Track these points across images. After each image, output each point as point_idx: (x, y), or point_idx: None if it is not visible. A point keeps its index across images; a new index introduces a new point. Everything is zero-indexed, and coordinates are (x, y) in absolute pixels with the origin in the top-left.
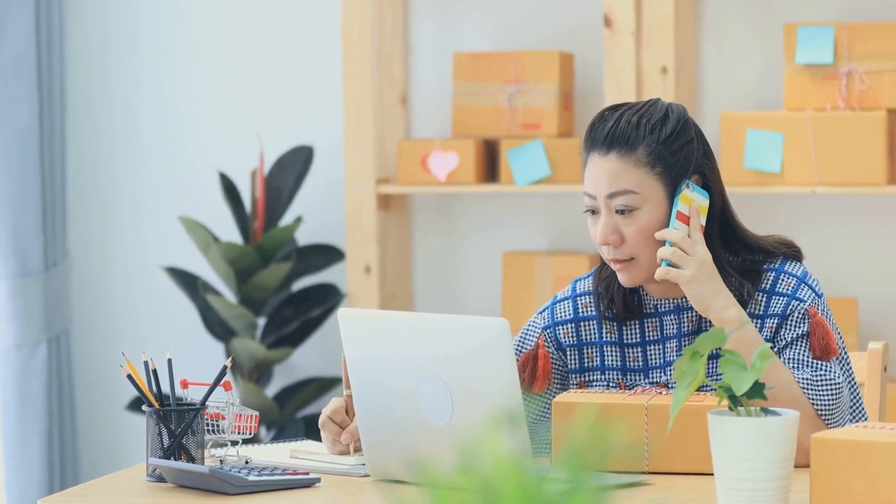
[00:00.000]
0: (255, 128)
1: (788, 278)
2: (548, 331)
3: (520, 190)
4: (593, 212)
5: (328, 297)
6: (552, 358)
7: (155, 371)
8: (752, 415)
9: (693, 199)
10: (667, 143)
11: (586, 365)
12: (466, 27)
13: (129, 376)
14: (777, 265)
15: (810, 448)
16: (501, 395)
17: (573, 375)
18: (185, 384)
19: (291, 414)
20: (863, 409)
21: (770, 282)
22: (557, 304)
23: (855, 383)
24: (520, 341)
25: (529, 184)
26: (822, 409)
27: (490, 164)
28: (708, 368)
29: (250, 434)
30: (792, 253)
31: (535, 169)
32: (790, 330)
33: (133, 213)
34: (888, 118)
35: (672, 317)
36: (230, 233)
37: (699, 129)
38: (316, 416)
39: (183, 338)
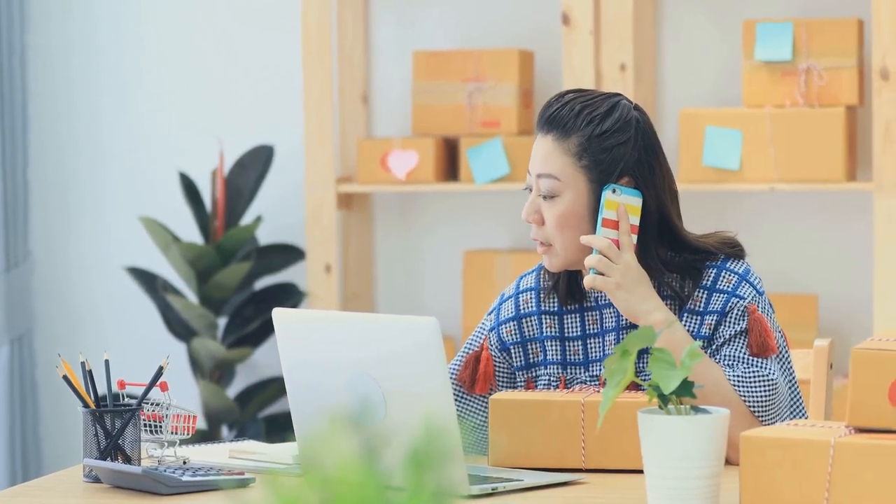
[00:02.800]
0: (215, 127)
1: (729, 275)
2: (493, 332)
3: (479, 188)
4: (530, 189)
5: (289, 297)
6: (495, 360)
7: (90, 372)
8: (682, 413)
9: (620, 203)
10: (600, 139)
11: (531, 360)
12: (427, 25)
13: (65, 377)
14: (719, 262)
15: (740, 446)
16: (433, 395)
17: (520, 373)
18: (122, 385)
19: (253, 414)
20: (802, 407)
21: (711, 279)
22: (503, 304)
23: (795, 381)
24: (470, 342)
25: (489, 182)
26: (755, 407)
27: (450, 162)
28: (642, 366)
29: (188, 434)
30: (734, 252)
31: (494, 167)
32: (729, 327)
33: (95, 213)
34: (847, 115)
35: (611, 310)
36: (191, 232)
37: (648, 134)
38: (277, 416)
39: (145, 338)
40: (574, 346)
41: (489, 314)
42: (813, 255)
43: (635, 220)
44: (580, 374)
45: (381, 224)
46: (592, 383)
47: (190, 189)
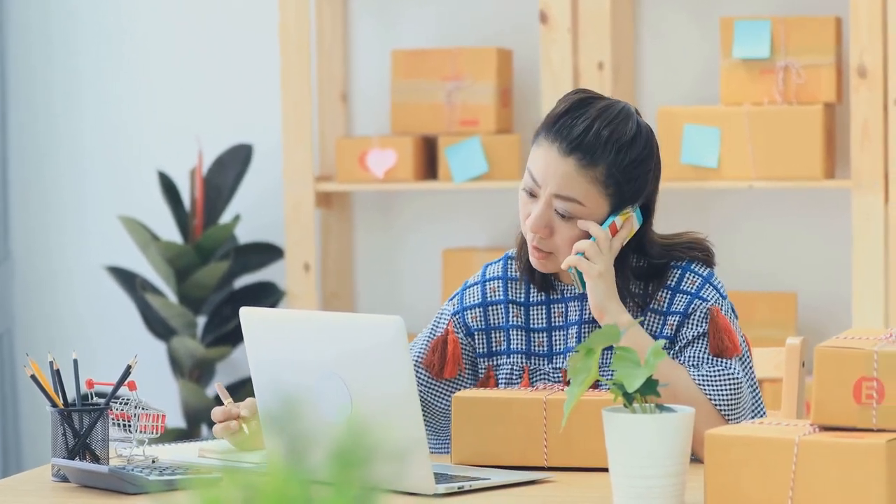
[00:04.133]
0: (194, 126)
1: (693, 277)
2: (457, 316)
3: (458, 187)
4: (531, 193)
5: (268, 296)
6: (462, 343)
7: (59, 371)
8: (647, 411)
9: (631, 217)
10: (628, 169)
11: (494, 349)
12: (406, 24)
13: (33, 376)
14: (684, 263)
15: (704, 444)
16: (398, 393)
17: (482, 360)
18: (90, 384)
19: None
20: (763, 409)
21: (675, 279)
22: (467, 290)
23: (755, 382)
24: (432, 328)
25: (467, 181)
26: (721, 405)
27: (429, 161)
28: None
29: (157, 434)
30: (703, 259)
31: (472, 166)
32: (691, 328)
33: (75, 212)
34: (825, 112)
35: (576, 303)
36: (170, 231)
37: (658, 148)
38: None
39: (125, 337)
40: (539, 337)
41: (450, 300)
42: (791, 253)
43: (626, 235)
44: (543, 365)
45: (361, 223)
46: (555, 376)
47: (169, 188)
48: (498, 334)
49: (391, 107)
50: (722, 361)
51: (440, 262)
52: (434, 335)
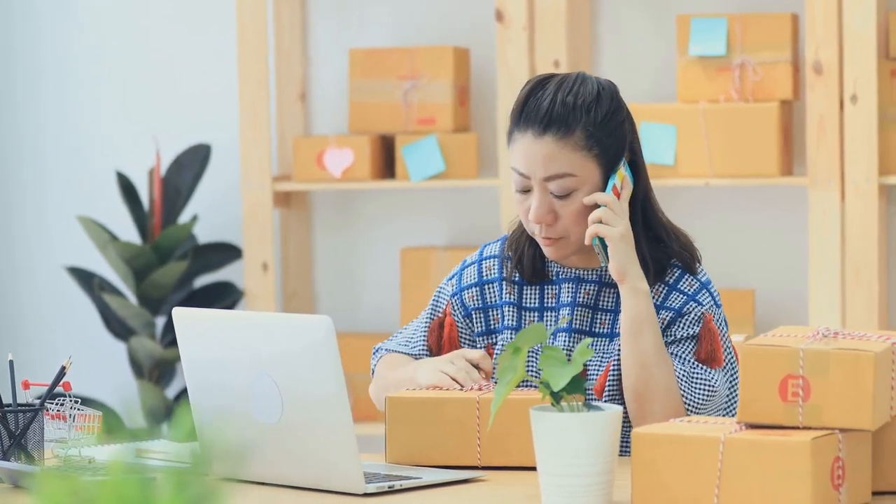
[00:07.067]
0: (152, 127)
1: (692, 280)
2: (455, 298)
3: (415, 186)
4: (524, 190)
5: (227, 295)
6: (458, 326)
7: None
8: (574, 410)
9: (624, 175)
10: (603, 125)
11: (492, 327)
12: (363, 23)
13: None
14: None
15: (632, 441)
16: (328, 393)
17: (480, 338)
18: (26, 385)
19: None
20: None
21: (674, 278)
22: (465, 270)
23: (736, 398)
24: (432, 308)
25: (424, 179)
26: (690, 405)
27: (386, 160)
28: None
29: (92, 434)
30: (687, 266)
31: (429, 164)
32: (682, 328)
33: (35, 212)
34: (781, 109)
35: (570, 285)
36: (129, 232)
37: (624, 101)
38: None
39: (86, 337)
40: (530, 316)
41: (450, 279)
42: (748, 250)
43: (628, 195)
44: None
45: (320, 222)
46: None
47: (127, 188)
48: (495, 312)
49: (349, 106)
50: (704, 368)
51: (398, 261)
52: (434, 316)
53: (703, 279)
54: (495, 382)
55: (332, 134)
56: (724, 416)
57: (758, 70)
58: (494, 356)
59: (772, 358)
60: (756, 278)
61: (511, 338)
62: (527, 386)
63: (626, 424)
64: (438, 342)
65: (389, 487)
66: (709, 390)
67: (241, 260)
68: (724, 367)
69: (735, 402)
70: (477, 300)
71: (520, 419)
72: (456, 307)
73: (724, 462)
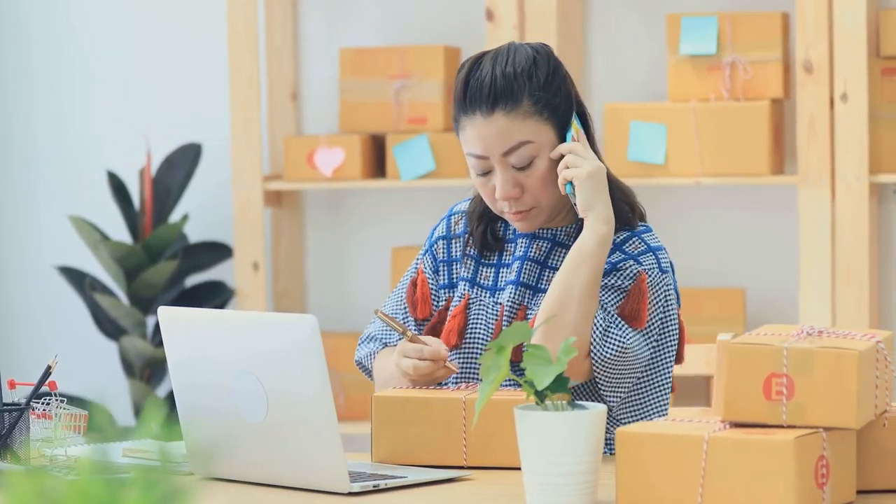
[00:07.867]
0: (143, 126)
1: (639, 242)
2: (426, 255)
3: (406, 185)
4: (484, 173)
5: (218, 295)
6: (430, 283)
7: None
8: (558, 409)
9: (579, 129)
10: (547, 87)
11: (454, 280)
12: (354, 22)
13: None
14: (638, 229)
15: (616, 440)
16: (313, 392)
17: (443, 291)
18: (12, 384)
19: None
20: (665, 406)
21: (620, 239)
22: (436, 228)
23: (662, 373)
24: (408, 274)
25: (415, 178)
26: (596, 358)
27: (377, 159)
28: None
29: (79, 434)
30: (625, 216)
31: (420, 163)
32: (613, 278)
33: (27, 212)
34: (772, 108)
35: (524, 240)
36: (120, 231)
37: (558, 58)
38: None
39: (78, 336)
40: (487, 271)
41: (425, 242)
42: (739, 249)
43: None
44: (485, 297)
45: (311, 221)
46: (494, 309)
47: (118, 188)
48: (457, 266)
49: (340, 105)
50: (623, 326)
51: (389, 260)
52: (410, 277)
53: (652, 243)
54: (479, 381)
55: (323, 133)
56: (638, 384)
57: (748, 69)
58: (452, 305)
59: (755, 356)
60: (746, 277)
61: (464, 289)
62: (510, 385)
63: (611, 423)
64: (412, 300)
65: (374, 486)
66: (619, 349)
67: (232, 259)
68: (646, 332)
69: (655, 373)
70: (444, 252)
71: (506, 419)
72: (427, 264)
73: (708, 461)
